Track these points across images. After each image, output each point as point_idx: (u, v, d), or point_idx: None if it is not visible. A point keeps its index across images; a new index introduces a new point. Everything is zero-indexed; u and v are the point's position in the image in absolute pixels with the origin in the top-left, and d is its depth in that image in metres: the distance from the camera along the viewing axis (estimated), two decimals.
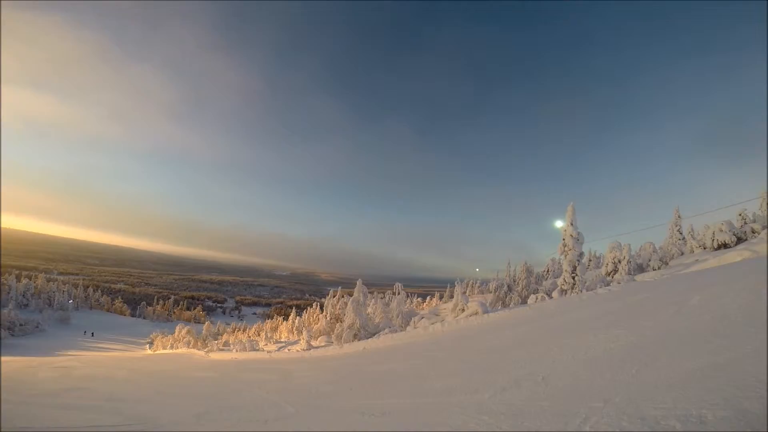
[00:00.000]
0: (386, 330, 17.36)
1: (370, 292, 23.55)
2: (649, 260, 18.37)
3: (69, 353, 26.20)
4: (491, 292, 20.78)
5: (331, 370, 9.57)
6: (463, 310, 15.06)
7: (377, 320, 20.67)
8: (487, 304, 15.57)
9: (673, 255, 19.43)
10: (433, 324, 14.63)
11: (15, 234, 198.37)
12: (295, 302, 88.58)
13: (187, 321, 62.81)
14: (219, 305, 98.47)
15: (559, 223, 15.58)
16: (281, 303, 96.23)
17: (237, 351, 22.06)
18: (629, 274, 17.12)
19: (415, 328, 15.73)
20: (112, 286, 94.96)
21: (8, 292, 53.06)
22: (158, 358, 21.23)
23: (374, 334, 17.72)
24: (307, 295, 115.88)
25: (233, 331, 40.47)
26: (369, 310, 21.80)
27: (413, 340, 12.75)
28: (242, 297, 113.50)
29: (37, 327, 39.70)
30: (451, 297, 28.22)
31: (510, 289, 20.07)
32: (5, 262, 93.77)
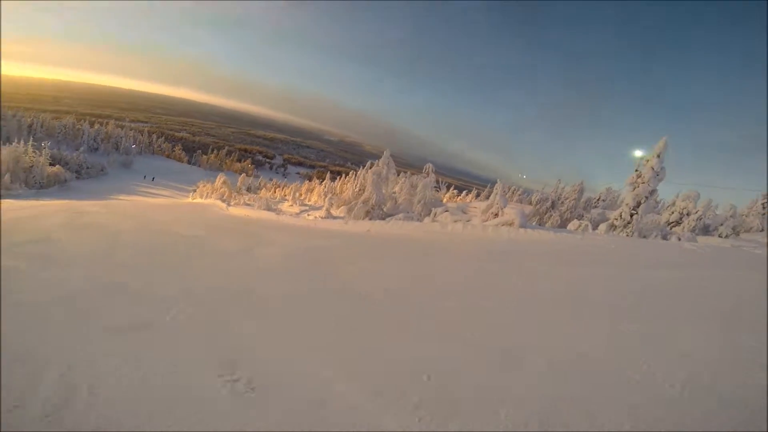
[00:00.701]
0: (401, 215, 15.40)
1: (403, 171, 21.12)
2: (721, 224, 15.68)
3: (119, 197, 28.22)
4: (532, 204, 17.48)
5: (301, 250, 8.05)
6: (497, 215, 12.21)
7: (400, 201, 18.73)
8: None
9: (751, 228, 16.08)
10: (455, 222, 12.22)
11: (95, 88, 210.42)
12: (337, 168, 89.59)
13: (236, 172, 66.01)
14: (268, 161, 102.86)
15: (639, 153, 13.13)
16: (324, 167, 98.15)
17: (257, 208, 21.79)
18: (693, 231, 14.48)
19: (433, 221, 13.53)
20: (175, 134, 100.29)
21: (81, 137, 57.80)
22: (183, 207, 21.75)
23: (391, 216, 15.92)
24: (349, 164, 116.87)
25: (273, 188, 41.75)
26: (396, 188, 19.74)
27: (424, 236, 10.66)
28: (290, 156, 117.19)
29: (102, 170, 43.43)
30: (488, 198, 25.13)
31: (553, 206, 16.66)
32: (85, 111, 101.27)
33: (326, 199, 20.46)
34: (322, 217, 18.82)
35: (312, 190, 33.04)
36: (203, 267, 6.12)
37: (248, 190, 38.81)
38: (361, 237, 11.04)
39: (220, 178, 32.18)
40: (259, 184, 44.01)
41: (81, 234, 8.78)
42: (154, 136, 75.59)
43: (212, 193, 30.15)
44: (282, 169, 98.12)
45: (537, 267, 6.06)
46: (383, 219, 15.74)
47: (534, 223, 15.92)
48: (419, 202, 17.21)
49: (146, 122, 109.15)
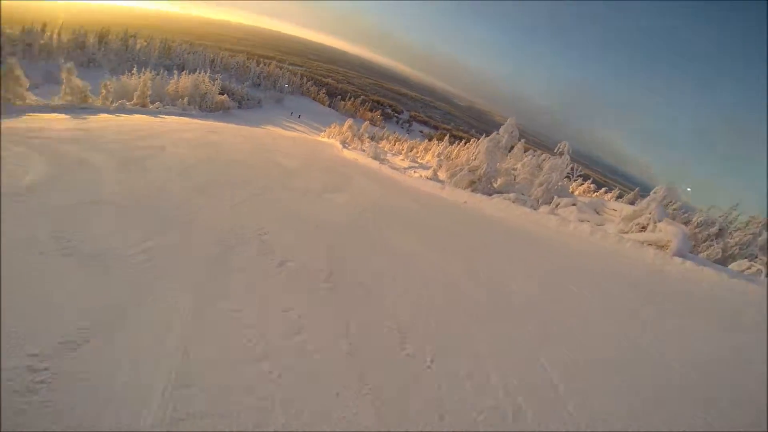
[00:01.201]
0: (512, 195, 13.38)
1: (533, 150, 18.50)
2: None
3: (265, 126, 32.17)
4: (689, 226, 13.10)
5: (368, 202, 8.60)
6: (645, 228, 9.27)
7: (519, 179, 16.45)
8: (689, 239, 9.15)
9: None
10: (582, 222, 9.95)
11: (263, 32, 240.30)
12: (460, 133, 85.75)
13: (366, 120, 68.80)
14: (396, 114, 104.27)
15: None
16: (448, 130, 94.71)
17: (368, 155, 21.90)
18: None
19: (552, 213, 11.33)
20: (322, 79, 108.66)
21: (248, 74, 67.05)
22: (303, 142, 23.78)
23: (500, 194, 14.03)
24: (474, 131, 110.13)
25: (394, 140, 42.16)
26: (518, 165, 17.40)
27: (528, 227, 8.96)
28: (416, 113, 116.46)
29: (258, 103, 50.01)
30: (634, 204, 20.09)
31: (720, 234, 12.21)
32: (256, 52, 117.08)
33: (435, 160, 19.31)
34: (427, 177, 17.96)
35: (428, 150, 32.09)
36: (256, 192, 7.12)
37: (372, 138, 39.90)
38: (446, 206, 10.42)
39: (347, 123, 33.67)
40: (383, 134, 44.86)
41: (192, 148, 10.61)
42: (305, 79, 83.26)
43: (337, 135, 31.82)
44: (407, 125, 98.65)
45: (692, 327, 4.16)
46: (489, 195, 13.99)
47: (699, 254, 12.11)
48: (541, 185, 14.72)
49: (301, 66, 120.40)
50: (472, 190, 14.76)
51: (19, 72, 11.67)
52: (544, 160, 16.24)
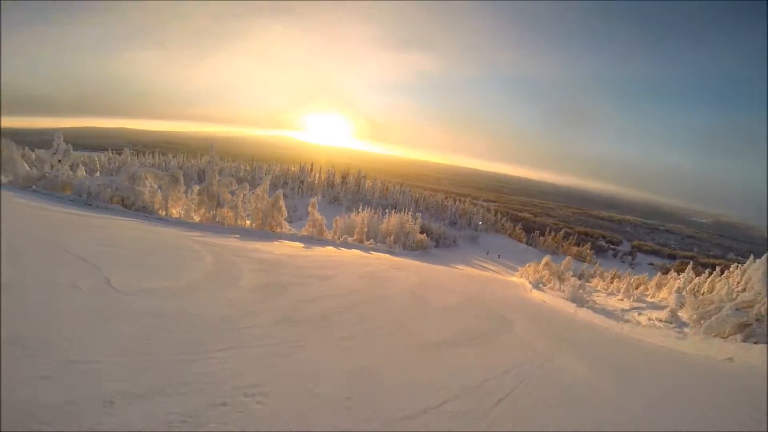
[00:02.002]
0: None
1: None
2: None
3: (455, 265, 32.68)
4: None
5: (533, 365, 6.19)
6: None
7: None
8: None
9: None
10: None
11: (463, 170, 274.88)
12: (711, 260, 64.24)
13: (573, 256, 61.51)
14: (612, 246, 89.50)
15: None
16: (692, 258, 73.02)
17: (564, 295, 18.00)
18: None
19: None
20: (518, 214, 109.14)
21: (446, 212, 74.58)
22: (486, 281, 21.69)
23: None
24: (732, 254, 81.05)
25: (610, 277, 34.89)
26: None
27: None
28: (641, 242, 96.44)
29: (454, 242, 52.91)
30: None
31: None
32: (453, 190, 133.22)
33: (674, 296, 14.03)
34: (661, 320, 12.92)
35: (662, 285, 24.48)
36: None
37: (580, 276, 34.44)
38: (692, 374, 6.54)
39: (544, 260, 30.46)
40: (594, 271, 38.21)
41: (355, 279, 10.82)
42: (499, 215, 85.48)
43: (531, 274, 28.86)
44: (629, 258, 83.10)
45: None
46: None
47: None
48: None
49: (495, 201, 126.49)
50: (744, 339, 9.40)
51: (282, 203, 16.25)
52: None
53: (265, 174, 38.77)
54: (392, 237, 33.28)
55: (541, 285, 23.49)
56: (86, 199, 14.35)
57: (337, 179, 53.30)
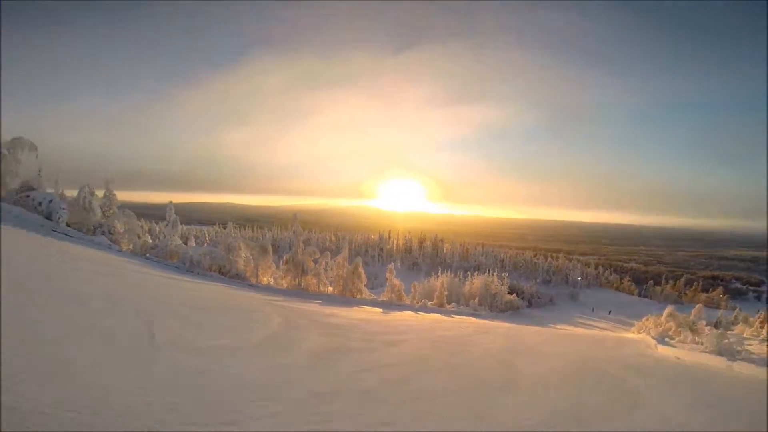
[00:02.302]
0: None
1: None
2: None
3: (554, 324, 29.03)
4: None
5: None
6: None
7: None
8: None
9: None
10: None
11: (548, 223, 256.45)
12: None
13: (703, 304, 51.09)
14: (753, 288, 72.67)
15: None
16: None
17: (701, 350, 14.40)
18: None
19: None
20: (624, 264, 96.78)
21: (536, 270, 68.75)
22: (594, 340, 18.26)
23: None
24: None
25: (759, 321, 28.11)
26: None
27: None
28: None
29: (550, 300, 47.85)
30: None
31: None
32: (542, 246, 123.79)
33: None
34: None
35: None
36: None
37: (716, 324, 28.09)
38: None
39: (667, 311, 25.71)
40: (734, 317, 31.16)
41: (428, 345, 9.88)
42: (601, 269, 76.24)
43: (653, 327, 24.29)
44: None
45: None
46: None
47: None
48: None
49: (593, 255, 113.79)
50: None
51: (361, 270, 16.66)
52: None
53: (346, 243, 40.96)
54: (476, 299, 31.40)
55: (667, 339, 19.54)
56: (189, 267, 16.40)
57: (415, 245, 53.71)
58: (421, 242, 55.35)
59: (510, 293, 38.24)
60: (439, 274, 31.69)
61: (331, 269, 18.26)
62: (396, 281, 20.92)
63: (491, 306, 33.50)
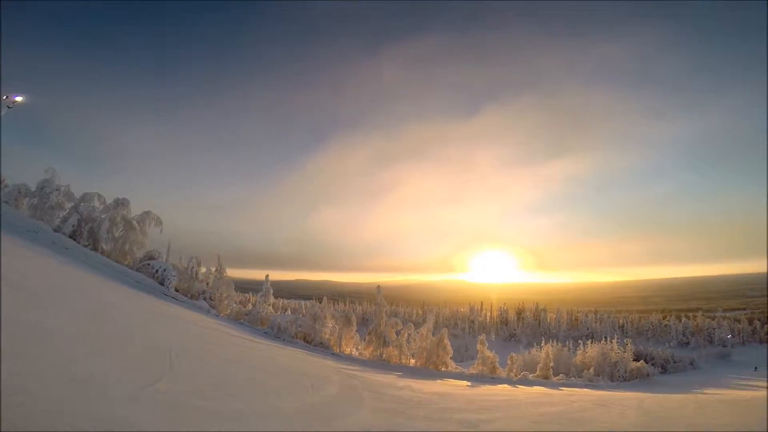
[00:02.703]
0: None
1: None
2: None
3: (701, 390, 24.16)
4: None
5: None
6: None
7: None
8: None
9: None
10: None
11: (659, 282, 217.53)
12: None
13: None
14: None
15: None
16: None
17: None
18: None
19: None
20: None
21: (669, 332, 58.19)
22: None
23: None
24: None
25: None
26: None
27: None
28: None
29: (690, 364, 39.78)
30: None
31: None
32: (671, 306, 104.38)
33: None
34: None
35: None
36: None
37: None
38: None
39: None
40: None
41: (527, 423, 8.22)
42: (756, 323, 62.19)
43: None
44: None
45: None
46: None
47: None
48: None
49: (742, 309, 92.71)
50: None
51: (446, 341, 16.78)
52: None
53: (432, 315, 40.66)
54: (592, 369, 27.89)
55: None
56: (276, 333, 17.60)
57: (511, 315, 50.36)
58: (519, 312, 51.92)
59: (636, 360, 33.02)
60: (543, 344, 29.28)
61: (414, 341, 18.59)
62: (488, 353, 20.00)
63: (612, 375, 29.24)
